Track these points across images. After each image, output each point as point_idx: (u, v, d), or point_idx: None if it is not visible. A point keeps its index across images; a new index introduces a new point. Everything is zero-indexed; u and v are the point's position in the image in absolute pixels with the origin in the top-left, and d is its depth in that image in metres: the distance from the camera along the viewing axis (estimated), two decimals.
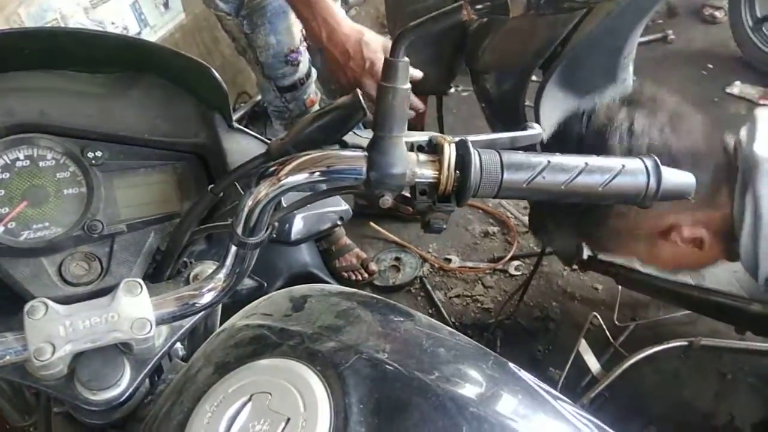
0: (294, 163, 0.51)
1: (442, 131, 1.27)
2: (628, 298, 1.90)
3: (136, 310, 0.54)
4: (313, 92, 1.78)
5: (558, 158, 0.53)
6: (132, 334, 0.53)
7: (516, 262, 2.18)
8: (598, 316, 1.79)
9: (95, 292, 0.58)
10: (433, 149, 0.54)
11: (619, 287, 1.84)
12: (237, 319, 0.62)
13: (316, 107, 1.81)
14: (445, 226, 0.53)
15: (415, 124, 1.49)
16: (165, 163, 0.66)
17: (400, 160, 0.50)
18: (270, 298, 0.66)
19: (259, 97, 3.38)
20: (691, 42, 3.18)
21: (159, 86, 0.65)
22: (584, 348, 1.74)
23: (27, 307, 0.52)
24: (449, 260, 2.21)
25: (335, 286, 0.68)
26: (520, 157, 0.52)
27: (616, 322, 1.85)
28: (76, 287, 0.59)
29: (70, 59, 0.60)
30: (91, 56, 0.61)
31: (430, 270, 2.21)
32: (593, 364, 1.74)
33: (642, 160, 0.54)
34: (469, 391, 0.52)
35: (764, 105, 2.68)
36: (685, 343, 1.65)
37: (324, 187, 0.56)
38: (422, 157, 0.51)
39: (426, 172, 0.51)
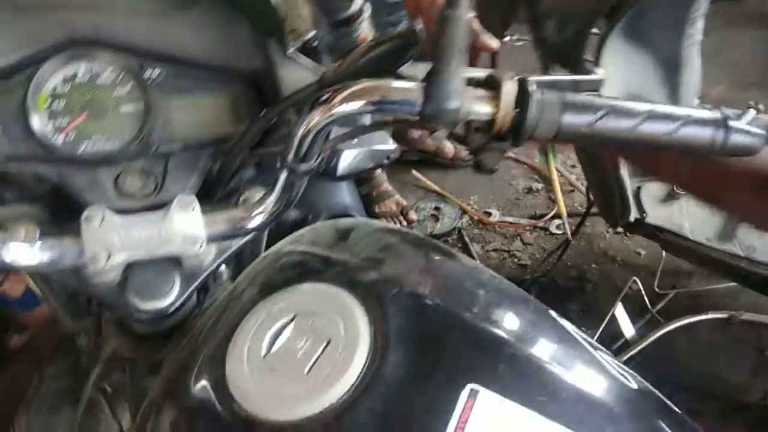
0: (347, 92, 0.50)
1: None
2: (671, 266, 1.86)
3: (188, 226, 0.55)
4: (366, 28, 1.75)
5: (622, 103, 0.51)
6: (183, 248, 0.54)
7: (557, 221, 2.15)
8: (638, 281, 1.76)
9: (150, 206, 0.59)
10: (491, 86, 0.52)
11: (663, 253, 1.80)
12: (283, 245, 0.63)
13: None
14: (497, 167, 0.52)
15: None
16: (220, 87, 0.66)
17: (456, 94, 0.48)
18: (315, 228, 0.66)
19: (310, 35, 3.34)
20: (766, 3, 2.99)
21: (216, 9, 0.65)
22: (620, 312, 1.72)
23: (84, 214, 0.54)
24: (489, 214, 2.19)
25: (380, 222, 0.68)
26: (583, 99, 0.50)
27: (657, 289, 1.82)
28: (132, 200, 0.60)
29: None
30: None
31: (469, 222, 2.20)
32: (628, 328, 1.72)
33: (710, 111, 0.52)
34: (507, 331, 0.52)
35: None
36: (726, 315, 1.62)
37: (376, 118, 0.56)
38: (480, 92, 0.50)
39: (483, 109, 0.50)
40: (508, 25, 1.48)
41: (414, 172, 2.30)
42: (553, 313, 0.59)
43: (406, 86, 0.50)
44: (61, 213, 0.60)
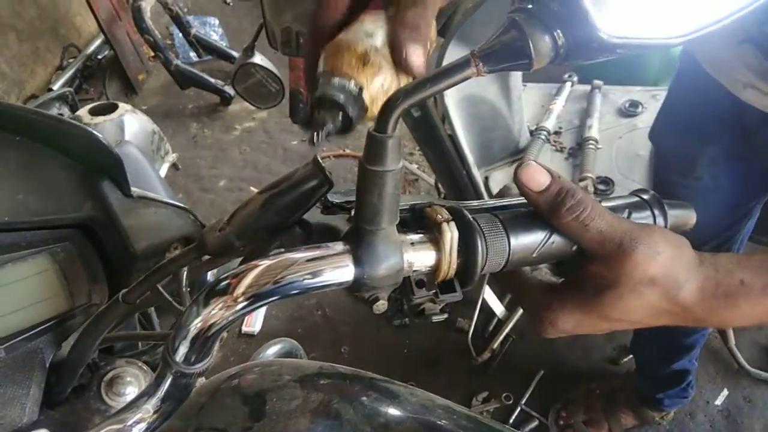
0: (253, 274, 0.37)
1: None
2: None
3: None
4: None
5: None
6: None
7: None
8: None
9: None
10: (421, 223, 0.43)
11: None
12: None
13: None
14: (446, 316, 0.43)
15: (297, 89, 1.33)
16: (39, 250, 0.49)
17: (393, 254, 0.39)
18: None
19: (91, 49, 2.92)
20: None
21: (12, 146, 0.47)
22: (488, 294, 1.77)
23: None
24: None
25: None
26: (524, 219, 0.43)
27: None
28: None
29: None
30: None
31: None
32: (497, 307, 1.78)
33: (641, 198, 0.48)
34: None
35: None
36: None
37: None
38: (413, 238, 0.41)
39: (422, 260, 0.40)
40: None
41: None
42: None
43: (328, 255, 0.38)
44: None
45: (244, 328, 1.83)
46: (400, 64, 0.45)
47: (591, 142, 1.59)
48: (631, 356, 1.70)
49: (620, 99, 1.74)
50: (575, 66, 1.89)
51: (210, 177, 2.42)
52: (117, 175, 0.48)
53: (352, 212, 0.44)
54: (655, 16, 0.33)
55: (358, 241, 0.38)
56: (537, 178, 0.41)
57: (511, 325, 1.78)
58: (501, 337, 1.77)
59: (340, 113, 0.43)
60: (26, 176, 0.47)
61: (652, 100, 1.71)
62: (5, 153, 0.46)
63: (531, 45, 0.34)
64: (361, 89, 0.44)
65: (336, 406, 0.48)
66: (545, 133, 1.64)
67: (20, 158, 0.47)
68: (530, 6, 0.34)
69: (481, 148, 1.56)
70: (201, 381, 0.56)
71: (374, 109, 0.45)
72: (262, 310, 1.88)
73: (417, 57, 0.45)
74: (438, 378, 1.75)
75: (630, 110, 1.69)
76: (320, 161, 0.41)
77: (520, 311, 1.81)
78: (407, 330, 1.85)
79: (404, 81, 0.47)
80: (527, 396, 1.68)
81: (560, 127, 1.70)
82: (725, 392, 1.67)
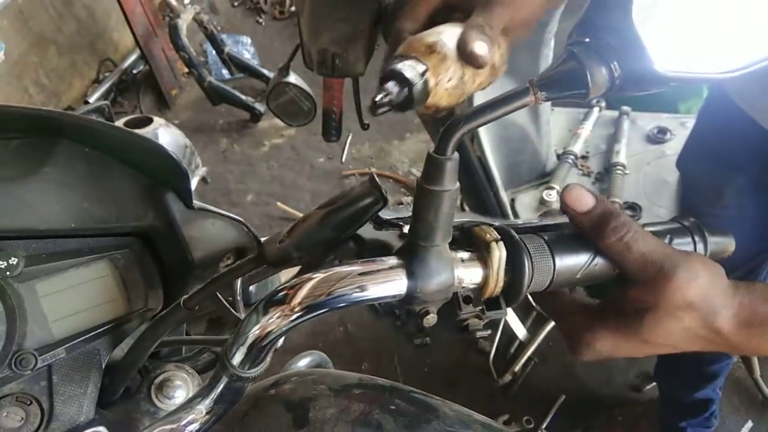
0: (310, 285, 0.40)
1: (360, 117, 1.16)
2: None
3: None
4: None
5: None
6: None
7: None
8: None
9: None
10: (469, 242, 0.45)
11: None
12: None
13: None
14: (489, 332, 0.45)
15: (331, 108, 1.37)
16: (101, 256, 0.52)
17: (445, 270, 0.41)
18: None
19: (126, 64, 3.00)
20: None
21: (82, 157, 0.50)
22: (511, 316, 1.77)
23: None
24: None
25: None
26: (568, 240, 0.45)
27: None
28: None
29: None
30: None
31: None
32: (519, 330, 1.79)
33: (682, 224, 0.49)
34: None
35: None
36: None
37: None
38: (463, 256, 0.43)
39: (470, 277, 0.42)
40: (370, 56, 1.41)
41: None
42: None
43: (382, 269, 0.40)
44: None
45: None
46: (464, 55, 0.49)
47: (619, 167, 1.60)
48: (654, 383, 1.69)
49: (648, 125, 1.75)
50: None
51: (238, 191, 2.46)
52: (181, 186, 0.50)
53: (404, 229, 0.46)
54: (707, 52, 0.35)
55: (412, 256, 0.40)
56: (582, 199, 0.43)
57: (533, 348, 1.78)
58: (523, 360, 1.77)
59: (405, 88, 0.47)
60: (93, 185, 0.50)
61: (680, 128, 1.71)
62: (75, 163, 0.49)
63: (588, 76, 0.36)
64: (426, 71, 0.48)
65: (377, 417, 0.50)
66: (572, 157, 1.65)
67: (89, 169, 0.50)
68: (587, 39, 0.36)
69: (509, 170, 1.57)
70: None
71: (435, 97, 0.49)
72: None
73: (481, 48, 0.49)
74: (458, 398, 1.73)
75: (658, 137, 1.70)
76: (376, 179, 0.43)
77: (543, 335, 1.81)
78: (428, 349, 1.86)
79: (468, 74, 0.50)
80: (548, 420, 1.67)
81: (587, 152, 1.71)
82: (749, 424, 1.65)
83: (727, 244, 0.49)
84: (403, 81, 0.47)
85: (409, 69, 0.48)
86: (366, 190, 0.42)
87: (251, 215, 2.32)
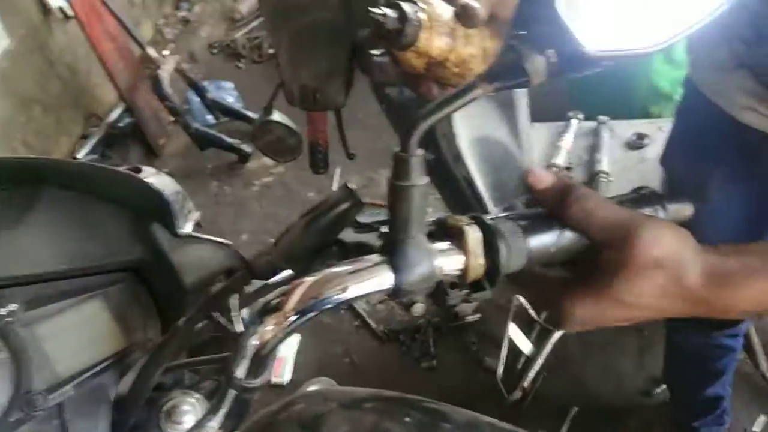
0: (302, 289, 0.42)
1: (346, 148, 1.19)
2: None
3: None
4: None
5: None
6: None
7: None
8: (520, 297, 1.83)
9: None
10: (446, 233, 0.47)
11: None
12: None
13: None
14: (479, 315, 0.47)
15: (316, 141, 1.39)
16: (95, 294, 0.53)
17: (425, 258, 0.43)
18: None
19: (112, 118, 3.04)
20: None
21: (66, 199, 0.52)
22: (514, 331, 1.78)
23: None
24: None
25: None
26: (537, 219, 0.47)
27: None
28: None
29: None
30: None
31: None
32: (524, 344, 1.79)
33: (641, 194, 0.52)
34: None
35: None
36: None
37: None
38: (441, 246, 0.45)
39: (451, 263, 0.45)
40: (350, 88, 1.44)
41: None
42: None
43: (368, 266, 0.43)
44: None
45: (274, 379, 1.84)
46: (457, 5, 0.52)
47: (602, 175, 1.63)
48: (663, 386, 1.69)
49: (626, 132, 1.79)
50: (577, 103, 1.95)
51: (232, 232, 2.47)
52: (165, 216, 0.52)
53: (381, 229, 0.49)
54: (629, 30, 0.38)
55: (393, 250, 0.43)
56: (542, 177, 0.46)
57: (540, 362, 1.77)
58: (531, 375, 1.76)
59: (400, 18, 0.51)
60: (79, 226, 0.52)
61: (658, 132, 1.75)
62: (59, 206, 0.51)
63: (526, 65, 0.39)
64: (421, 13, 0.52)
65: (389, 427, 0.51)
66: (556, 169, 1.68)
67: (73, 210, 0.52)
68: (524, 32, 0.40)
69: (495, 188, 1.60)
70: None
71: (426, 41, 0.53)
72: (290, 361, 1.90)
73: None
74: None
75: (637, 142, 1.74)
76: (349, 185, 0.46)
77: (549, 347, 1.81)
78: (435, 372, 1.86)
79: (460, 32, 0.54)
80: None
81: (571, 163, 1.74)
82: (762, 418, 1.64)
83: (683, 209, 0.52)
84: (400, 12, 0.51)
85: (408, 6, 0.52)
86: (343, 195, 0.45)
87: (246, 253, 2.32)
